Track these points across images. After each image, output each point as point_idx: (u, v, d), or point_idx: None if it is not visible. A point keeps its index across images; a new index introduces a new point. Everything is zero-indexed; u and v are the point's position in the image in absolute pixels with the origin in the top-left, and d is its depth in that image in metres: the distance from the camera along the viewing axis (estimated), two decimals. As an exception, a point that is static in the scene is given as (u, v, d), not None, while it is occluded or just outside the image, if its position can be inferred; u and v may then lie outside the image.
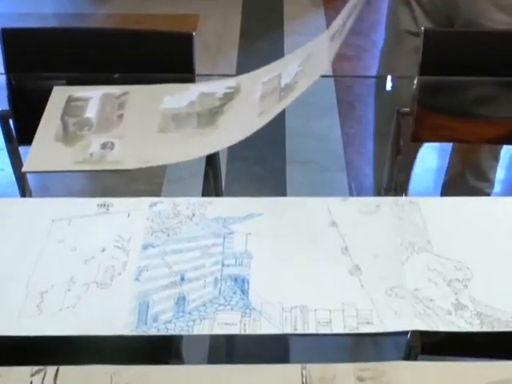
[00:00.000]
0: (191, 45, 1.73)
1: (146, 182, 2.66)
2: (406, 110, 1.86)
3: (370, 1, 1.81)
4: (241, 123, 1.45)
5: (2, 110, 1.82)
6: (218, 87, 1.61)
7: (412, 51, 1.86)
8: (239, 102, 1.54)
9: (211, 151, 1.56)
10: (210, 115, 1.52)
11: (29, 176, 1.94)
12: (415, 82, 1.84)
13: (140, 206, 1.34)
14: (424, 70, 1.81)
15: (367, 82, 3.03)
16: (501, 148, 2.16)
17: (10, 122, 1.83)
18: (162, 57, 1.76)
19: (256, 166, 2.73)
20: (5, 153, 1.91)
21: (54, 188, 2.64)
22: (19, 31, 1.83)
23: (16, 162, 1.91)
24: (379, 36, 3.85)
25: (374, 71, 3.46)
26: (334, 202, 1.35)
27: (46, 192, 2.52)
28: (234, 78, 1.63)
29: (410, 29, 1.94)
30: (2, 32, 1.76)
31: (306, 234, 1.27)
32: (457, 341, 1.24)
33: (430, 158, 2.93)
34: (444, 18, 1.87)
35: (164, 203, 1.34)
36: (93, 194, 2.61)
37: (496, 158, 2.15)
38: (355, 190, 2.49)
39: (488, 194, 2.18)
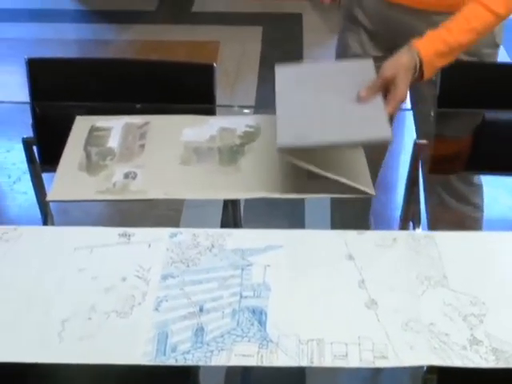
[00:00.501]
0: (212, 76, 1.75)
1: (165, 208, 2.69)
2: (424, 141, 1.88)
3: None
4: (263, 177, 1.49)
5: (27, 137, 1.85)
6: (238, 124, 1.65)
7: None
8: (259, 146, 1.58)
9: (231, 197, 1.60)
10: (231, 153, 1.55)
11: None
12: (432, 113, 1.86)
13: (160, 236, 1.36)
14: (441, 101, 1.83)
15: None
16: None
17: (34, 148, 1.87)
18: (183, 87, 1.79)
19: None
20: (28, 177, 1.94)
21: (73, 212, 2.67)
22: (44, 61, 1.86)
23: (39, 187, 1.94)
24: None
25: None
26: (351, 235, 1.36)
27: (65, 216, 2.55)
28: (254, 117, 1.67)
29: (357, 53, 1.96)
30: (28, 62, 1.80)
31: (324, 266, 1.29)
32: (472, 375, 1.24)
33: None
34: (389, 42, 1.84)
35: (184, 234, 1.36)
36: (112, 220, 2.67)
37: (470, 183, 2.14)
38: (373, 222, 2.50)
39: (476, 219, 2.17)
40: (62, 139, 1.86)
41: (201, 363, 1.11)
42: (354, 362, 1.11)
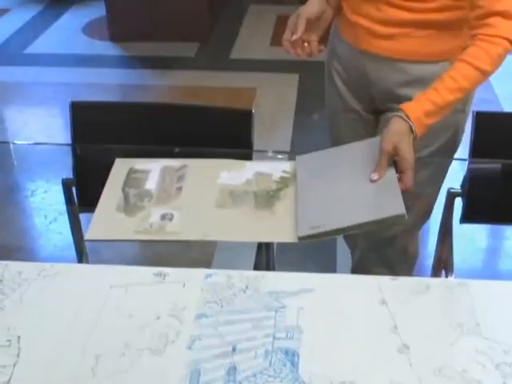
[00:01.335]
0: (250, 121, 1.79)
1: (198, 250, 2.71)
2: (458, 189, 1.89)
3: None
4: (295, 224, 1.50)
5: (67, 178, 1.90)
6: (275, 169, 1.68)
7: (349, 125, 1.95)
8: (294, 191, 1.60)
9: (265, 240, 1.64)
10: (267, 197, 1.58)
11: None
12: (466, 163, 1.87)
13: (195, 276, 1.38)
14: (475, 151, 1.84)
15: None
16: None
17: (73, 189, 1.91)
18: (221, 132, 1.82)
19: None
20: (63, 218, 1.98)
21: (106, 253, 2.71)
22: (87, 104, 1.92)
23: (76, 227, 1.98)
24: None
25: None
26: (384, 280, 1.37)
27: (98, 256, 2.59)
28: (290, 163, 1.70)
29: (338, 107, 1.97)
30: (72, 105, 1.85)
31: (357, 311, 1.29)
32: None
33: (480, 238, 2.92)
34: (363, 92, 1.88)
35: (218, 275, 1.38)
36: (146, 261, 2.70)
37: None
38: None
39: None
40: (100, 181, 1.90)
41: (232, 402, 1.12)
42: (385, 406, 1.11)
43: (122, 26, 5.02)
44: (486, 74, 1.57)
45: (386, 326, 1.26)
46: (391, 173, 1.52)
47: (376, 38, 1.76)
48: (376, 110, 1.92)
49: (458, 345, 1.22)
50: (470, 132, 1.84)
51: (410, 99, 1.59)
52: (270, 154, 3.19)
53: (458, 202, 1.90)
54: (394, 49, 1.75)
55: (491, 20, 1.55)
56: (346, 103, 1.95)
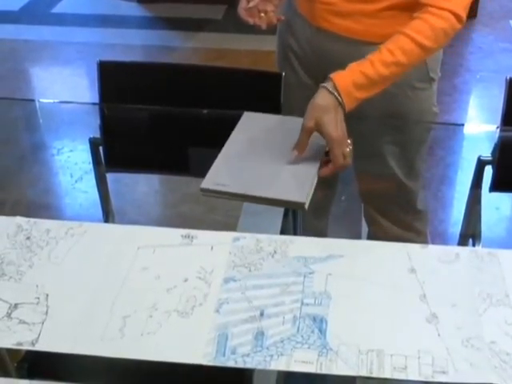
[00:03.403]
0: (279, 84, 1.77)
1: (223, 213, 2.72)
2: (488, 157, 1.86)
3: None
4: None
5: (94, 138, 1.89)
6: None
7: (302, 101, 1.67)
8: None
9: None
10: None
11: (113, 200, 2.01)
12: (497, 130, 1.85)
13: (223, 239, 1.38)
14: (508, 119, 1.81)
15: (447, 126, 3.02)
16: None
17: (100, 149, 1.91)
18: (249, 94, 1.81)
19: (332, 205, 2.75)
20: (89, 176, 1.98)
21: (132, 214, 2.72)
22: (115, 64, 1.90)
23: (103, 186, 1.98)
24: (461, 80, 3.85)
25: (454, 116, 3.47)
26: (413, 248, 1.36)
27: (124, 216, 2.60)
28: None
29: (292, 82, 1.85)
30: (100, 64, 1.84)
31: (385, 278, 1.28)
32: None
33: (506, 207, 2.90)
34: (318, 70, 1.70)
35: (247, 239, 1.38)
36: (170, 222, 2.70)
37: (414, 211, 1.99)
38: (430, 236, 2.48)
39: None
40: (127, 141, 1.91)
41: (260, 367, 1.11)
42: (413, 374, 1.10)
43: (149, -14, 4.99)
44: (427, 51, 1.49)
45: (415, 294, 1.25)
46: (315, 156, 1.46)
47: (335, 16, 1.64)
48: None
49: (486, 315, 1.21)
50: (502, 99, 1.81)
51: None
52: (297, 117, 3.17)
53: (488, 170, 1.88)
54: (354, 28, 1.64)
55: None
56: (300, 79, 1.84)
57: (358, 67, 1.45)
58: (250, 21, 1.64)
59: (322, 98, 1.44)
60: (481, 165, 1.88)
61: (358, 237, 2.54)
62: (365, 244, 1.39)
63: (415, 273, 1.30)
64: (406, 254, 1.34)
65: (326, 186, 2.06)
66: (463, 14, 1.48)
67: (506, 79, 1.81)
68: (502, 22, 4.56)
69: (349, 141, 1.44)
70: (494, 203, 2.80)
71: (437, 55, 1.73)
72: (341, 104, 1.44)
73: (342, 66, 1.48)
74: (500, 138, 1.84)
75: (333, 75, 1.45)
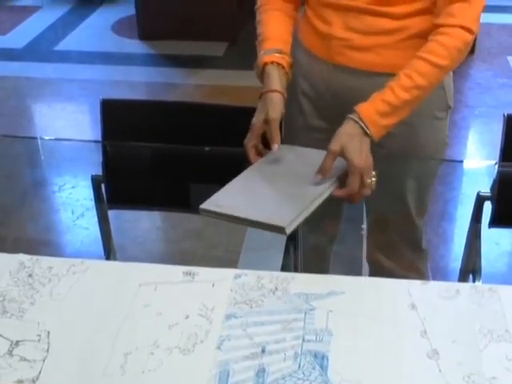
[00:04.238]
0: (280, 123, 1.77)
1: (224, 249, 2.73)
2: (487, 193, 1.87)
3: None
4: None
5: (96, 175, 1.91)
6: None
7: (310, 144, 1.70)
8: None
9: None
10: None
11: (114, 237, 2.02)
12: (496, 166, 1.86)
13: (225, 276, 1.38)
14: (505, 155, 1.82)
15: (447, 162, 3.04)
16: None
17: (102, 186, 1.92)
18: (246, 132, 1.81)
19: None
20: (90, 213, 1.99)
21: (133, 250, 2.72)
22: (117, 102, 1.92)
23: (104, 223, 1.99)
24: (460, 115, 3.87)
25: (454, 151, 3.48)
26: (414, 284, 1.37)
27: (125, 253, 2.61)
28: None
29: (300, 125, 1.84)
30: (102, 102, 1.86)
31: (386, 314, 1.29)
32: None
33: (506, 242, 2.90)
34: (334, 110, 1.71)
35: (248, 275, 1.38)
36: (172, 258, 2.71)
37: (419, 249, 1.98)
38: (432, 271, 2.48)
39: None
40: (129, 178, 1.92)
41: (261, 403, 1.12)
42: (414, 411, 1.10)
43: (151, 24, 5.05)
44: (443, 70, 1.52)
45: (416, 330, 1.25)
46: (320, 187, 1.45)
47: (354, 51, 1.63)
48: None
49: (487, 351, 1.21)
50: (498, 135, 1.82)
51: None
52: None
53: (488, 206, 1.89)
54: (375, 62, 1.63)
55: (452, 8, 1.49)
56: (309, 122, 1.82)
57: (379, 96, 1.49)
58: (253, 159, 1.59)
59: (349, 127, 1.48)
60: (480, 200, 1.89)
61: (358, 274, 2.55)
62: (365, 281, 1.40)
63: (416, 309, 1.30)
64: (406, 290, 1.35)
65: (328, 226, 2.07)
66: (474, 27, 1.50)
67: (504, 115, 1.82)
68: (499, 58, 4.61)
69: (373, 173, 1.46)
70: (494, 238, 2.81)
71: (450, 82, 1.75)
72: (367, 134, 1.47)
73: (361, 100, 1.52)
74: (499, 173, 1.85)
75: (357, 107, 1.49)
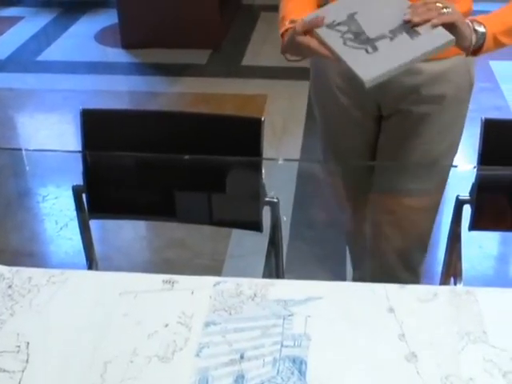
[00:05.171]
0: (260, 130, 1.79)
1: (209, 257, 2.73)
2: (466, 197, 1.89)
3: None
4: None
5: (77, 185, 1.91)
6: None
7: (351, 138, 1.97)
8: None
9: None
10: None
11: (96, 247, 2.02)
12: (475, 170, 1.87)
13: (204, 284, 1.39)
14: (484, 159, 1.84)
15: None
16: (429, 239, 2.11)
17: (83, 196, 1.92)
18: (231, 140, 1.83)
19: (317, 247, 2.77)
20: (74, 223, 1.99)
21: (117, 260, 2.72)
22: (97, 112, 1.92)
23: (86, 234, 1.99)
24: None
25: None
26: (392, 288, 1.38)
27: (110, 262, 2.60)
28: None
29: (343, 121, 1.95)
30: (82, 112, 1.86)
31: (364, 319, 1.30)
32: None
33: (489, 245, 2.92)
34: (370, 102, 1.86)
35: (228, 283, 1.39)
36: (156, 267, 2.71)
37: (425, 249, 2.11)
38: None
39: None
40: (110, 188, 1.92)
41: (240, 410, 1.12)
42: (392, 414, 1.11)
43: (134, 33, 5.05)
44: None
45: (394, 333, 1.26)
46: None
47: None
48: (378, 117, 1.91)
49: (465, 353, 1.22)
50: (478, 139, 1.84)
51: (427, 97, 1.75)
52: (280, 161, 3.21)
53: (467, 210, 1.90)
54: None
55: None
56: (348, 112, 1.91)
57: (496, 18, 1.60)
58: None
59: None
60: (459, 204, 1.90)
61: (343, 279, 2.56)
62: (343, 285, 1.41)
63: (394, 312, 1.31)
64: (384, 294, 1.36)
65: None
66: None
67: (482, 120, 1.84)
68: (481, 62, 4.62)
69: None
70: (478, 241, 2.82)
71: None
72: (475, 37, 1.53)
73: (398, 89, 1.73)
74: (477, 177, 1.86)
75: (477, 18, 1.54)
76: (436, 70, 1.76)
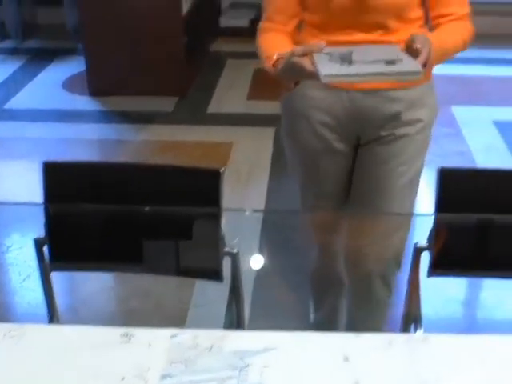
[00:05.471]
0: (218, 181, 1.81)
1: (173, 306, 2.73)
2: (424, 244, 1.92)
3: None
4: None
5: (38, 237, 1.91)
6: None
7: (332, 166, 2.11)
8: None
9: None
10: None
11: (58, 299, 2.01)
12: (433, 217, 1.91)
13: (161, 336, 1.40)
14: (440, 206, 1.88)
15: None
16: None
17: (45, 248, 1.92)
18: (191, 191, 1.85)
19: (282, 295, 2.79)
20: (37, 275, 1.98)
21: (82, 312, 2.71)
22: (59, 164, 1.94)
23: (47, 286, 1.99)
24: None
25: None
26: (347, 337, 1.40)
27: (73, 315, 2.59)
28: None
29: (321, 150, 2.07)
30: (44, 165, 1.88)
31: (320, 368, 1.31)
32: None
33: (452, 290, 2.95)
34: (352, 132, 2.03)
35: (185, 335, 1.40)
36: (121, 318, 2.70)
37: (399, 265, 2.23)
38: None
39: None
40: (72, 239, 1.93)
41: None
42: None
43: (102, 81, 5.08)
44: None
45: (349, 382, 1.28)
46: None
47: None
48: (357, 145, 2.07)
49: (419, 401, 1.24)
50: (434, 187, 1.88)
51: (406, 122, 1.96)
52: (247, 213, 3.25)
53: (425, 256, 1.93)
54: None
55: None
56: (331, 146, 2.05)
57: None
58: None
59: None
60: (417, 251, 1.93)
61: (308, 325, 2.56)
62: (299, 335, 1.42)
63: (349, 361, 1.33)
64: (340, 343, 1.38)
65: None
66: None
67: (437, 168, 1.88)
68: (444, 107, 4.71)
69: None
70: (439, 286, 2.84)
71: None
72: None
73: (378, 116, 1.95)
74: (435, 224, 1.90)
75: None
76: (412, 96, 1.98)
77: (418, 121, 2.03)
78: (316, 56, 1.70)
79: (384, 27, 1.90)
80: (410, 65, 1.66)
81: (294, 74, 1.75)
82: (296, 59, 1.70)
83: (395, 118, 1.99)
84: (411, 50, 1.69)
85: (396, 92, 1.95)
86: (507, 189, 1.89)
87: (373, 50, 1.75)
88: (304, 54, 1.70)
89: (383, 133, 2.01)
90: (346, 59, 1.66)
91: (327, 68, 1.64)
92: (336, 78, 1.65)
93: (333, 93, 1.97)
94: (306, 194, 2.25)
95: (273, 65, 1.83)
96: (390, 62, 1.65)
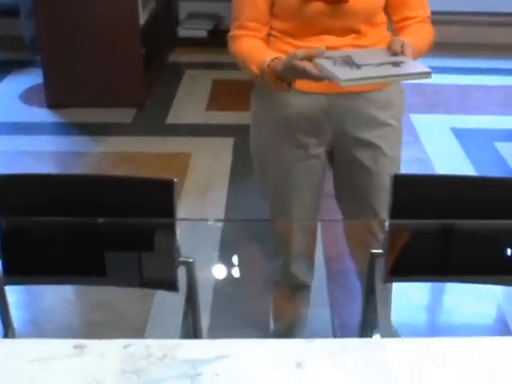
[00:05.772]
0: (172, 192, 1.81)
1: (133, 318, 2.71)
2: (379, 251, 1.94)
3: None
4: None
5: (-9, 251, 1.89)
6: None
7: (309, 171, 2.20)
8: None
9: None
10: None
11: (18, 312, 1.99)
12: (387, 224, 1.93)
13: (114, 347, 1.39)
14: (393, 213, 1.90)
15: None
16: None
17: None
18: (144, 202, 1.85)
19: (242, 305, 2.79)
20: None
21: (41, 325, 2.68)
22: (11, 177, 1.92)
23: (1, 300, 1.96)
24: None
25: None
26: (300, 343, 1.41)
27: (33, 328, 2.57)
28: None
29: (299, 157, 2.14)
30: (-4, 179, 1.86)
31: (272, 375, 1.32)
32: None
33: (415, 295, 2.97)
34: (327, 136, 2.11)
35: (137, 345, 1.40)
36: (80, 331, 2.68)
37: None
38: (338, 327, 2.54)
39: None
40: (26, 253, 1.91)
41: None
42: None
43: (59, 92, 5.04)
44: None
45: (302, 389, 1.29)
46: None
47: None
48: (331, 151, 2.16)
49: (371, 405, 1.26)
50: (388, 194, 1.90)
51: (383, 122, 2.07)
52: (210, 222, 3.25)
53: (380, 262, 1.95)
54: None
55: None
56: (310, 152, 2.12)
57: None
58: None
59: None
60: (372, 258, 1.95)
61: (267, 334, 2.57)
62: (252, 342, 1.43)
63: (302, 367, 1.34)
64: (292, 349, 1.38)
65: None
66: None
67: (391, 175, 1.91)
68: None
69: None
70: (404, 292, 2.87)
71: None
72: None
73: (357, 118, 2.06)
74: (389, 231, 1.92)
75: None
76: (385, 97, 2.09)
77: (393, 119, 2.13)
78: (320, 61, 1.79)
79: (356, 31, 1.99)
80: (416, 66, 1.79)
81: (295, 75, 1.83)
82: (297, 62, 1.79)
83: (372, 119, 2.08)
84: (394, 53, 1.82)
85: (374, 93, 2.05)
86: (461, 194, 1.92)
87: (367, 54, 1.86)
88: (304, 58, 1.79)
89: (360, 134, 2.09)
90: (351, 63, 1.76)
91: (342, 72, 1.73)
92: (355, 81, 1.76)
93: (311, 97, 2.04)
94: (277, 205, 2.27)
95: (268, 65, 1.89)
96: (395, 64, 1.76)
